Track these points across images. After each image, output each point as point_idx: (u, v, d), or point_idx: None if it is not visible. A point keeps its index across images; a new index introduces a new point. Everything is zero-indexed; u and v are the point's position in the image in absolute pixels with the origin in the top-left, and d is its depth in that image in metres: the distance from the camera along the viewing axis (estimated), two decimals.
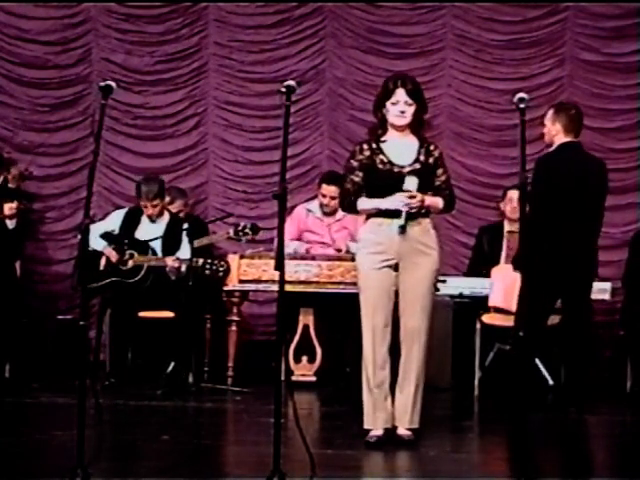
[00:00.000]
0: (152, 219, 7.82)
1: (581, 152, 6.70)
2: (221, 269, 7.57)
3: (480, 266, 7.97)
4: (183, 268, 7.62)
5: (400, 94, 5.51)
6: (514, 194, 7.56)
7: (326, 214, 8.19)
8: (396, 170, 5.53)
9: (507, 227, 8.03)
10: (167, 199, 8.27)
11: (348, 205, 5.65)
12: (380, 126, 5.62)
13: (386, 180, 5.52)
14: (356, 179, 5.58)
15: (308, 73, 9.05)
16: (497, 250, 8.03)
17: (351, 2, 9.04)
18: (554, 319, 6.84)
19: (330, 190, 8.05)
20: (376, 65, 8.96)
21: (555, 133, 6.70)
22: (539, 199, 6.41)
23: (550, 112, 6.75)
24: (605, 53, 8.82)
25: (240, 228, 7.74)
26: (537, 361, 7.36)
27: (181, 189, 8.65)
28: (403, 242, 5.51)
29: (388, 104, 5.54)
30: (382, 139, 5.59)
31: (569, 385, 6.81)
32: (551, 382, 7.49)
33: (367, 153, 5.57)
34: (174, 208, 8.28)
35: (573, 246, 6.51)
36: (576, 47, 8.87)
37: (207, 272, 7.54)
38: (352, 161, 5.62)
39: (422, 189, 5.52)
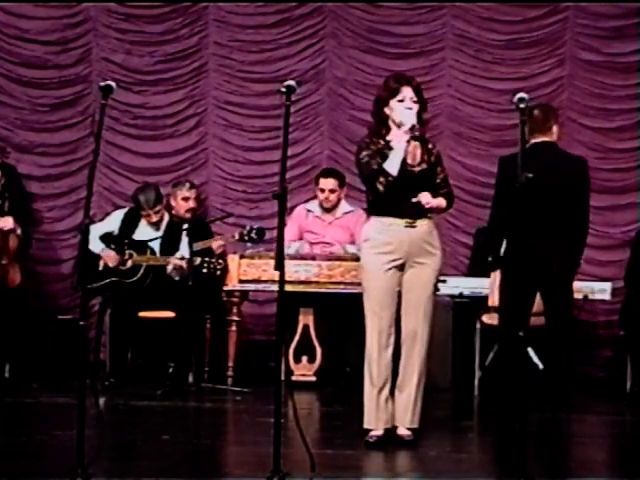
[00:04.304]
0: (156, 225, 7.84)
1: (550, 152, 6.42)
2: (219, 267, 7.56)
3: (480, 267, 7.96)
4: (185, 266, 7.61)
5: (407, 91, 5.49)
6: None
7: (326, 210, 8.18)
8: (407, 169, 5.50)
9: None
10: (186, 185, 8.29)
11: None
12: (382, 126, 5.58)
13: (397, 180, 5.47)
14: (375, 165, 5.48)
15: (308, 73, 9.03)
16: None
17: (351, 2, 9.03)
18: (539, 319, 6.62)
19: (328, 182, 8.08)
20: (376, 65, 8.95)
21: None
22: (498, 199, 6.39)
23: None
24: (605, 53, 8.81)
25: (245, 232, 7.68)
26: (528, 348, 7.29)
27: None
28: (412, 242, 5.50)
29: (393, 102, 5.50)
30: (387, 138, 5.56)
31: (550, 384, 6.75)
32: (541, 366, 7.41)
33: (373, 147, 5.51)
34: (192, 194, 8.30)
35: (544, 244, 6.30)
36: (576, 47, 8.85)
37: (204, 270, 7.54)
38: (363, 153, 5.53)
39: (429, 189, 5.53)
